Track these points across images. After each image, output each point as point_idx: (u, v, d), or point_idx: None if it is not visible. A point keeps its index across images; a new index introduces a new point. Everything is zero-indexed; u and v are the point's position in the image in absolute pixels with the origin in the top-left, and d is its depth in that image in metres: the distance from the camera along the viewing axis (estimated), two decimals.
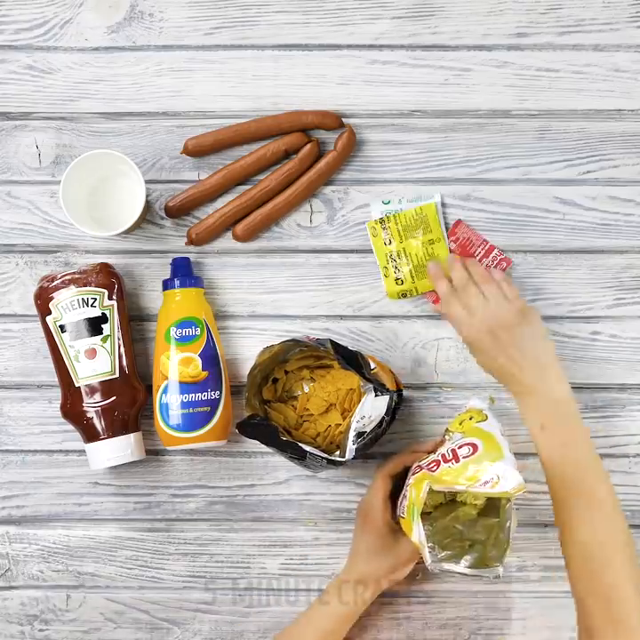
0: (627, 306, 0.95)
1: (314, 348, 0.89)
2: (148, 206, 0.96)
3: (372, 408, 0.83)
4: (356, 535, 0.89)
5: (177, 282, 0.92)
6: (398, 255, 0.93)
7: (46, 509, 0.95)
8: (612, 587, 0.76)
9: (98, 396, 0.90)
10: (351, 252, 0.96)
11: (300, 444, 0.83)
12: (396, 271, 0.93)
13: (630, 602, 0.75)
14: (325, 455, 0.83)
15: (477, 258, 0.94)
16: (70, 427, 0.92)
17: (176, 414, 0.90)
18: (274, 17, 0.96)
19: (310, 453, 0.82)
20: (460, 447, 0.79)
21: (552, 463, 0.82)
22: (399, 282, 0.93)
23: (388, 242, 0.93)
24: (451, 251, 0.94)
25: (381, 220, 0.93)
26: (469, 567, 0.79)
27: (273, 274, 0.96)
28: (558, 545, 0.94)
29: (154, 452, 0.95)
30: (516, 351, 0.85)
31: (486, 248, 0.94)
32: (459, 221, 0.94)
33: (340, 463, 0.83)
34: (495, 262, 0.94)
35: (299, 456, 0.83)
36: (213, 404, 0.90)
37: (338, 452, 0.86)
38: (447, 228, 0.95)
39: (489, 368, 0.88)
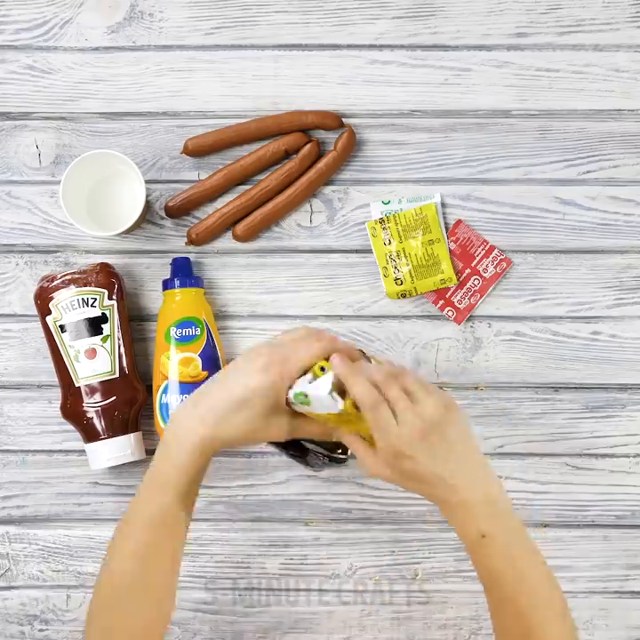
0: (627, 306, 0.95)
1: None
2: (148, 206, 0.96)
3: None
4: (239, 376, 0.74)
5: (177, 282, 0.92)
6: (398, 255, 0.93)
7: (46, 509, 0.95)
8: None
9: (98, 396, 0.90)
10: (351, 251, 0.96)
11: (301, 441, 0.83)
12: (396, 271, 0.93)
13: None
14: (327, 453, 0.83)
15: (477, 258, 0.94)
16: (70, 427, 0.92)
17: None
18: (274, 17, 0.96)
19: (312, 451, 0.82)
20: None
21: (497, 573, 0.72)
22: (399, 282, 0.93)
23: (387, 242, 0.93)
24: (451, 251, 0.94)
25: (381, 220, 0.93)
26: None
27: (273, 274, 0.96)
28: (558, 545, 0.94)
29: (154, 452, 0.95)
30: (446, 453, 0.72)
31: (486, 248, 0.94)
32: (459, 221, 0.95)
33: (342, 461, 0.84)
34: (495, 262, 0.94)
35: (300, 453, 0.83)
36: None
37: (340, 451, 0.86)
38: (447, 228, 0.95)
39: (414, 476, 0.73)
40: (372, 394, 0.72)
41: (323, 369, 0.72)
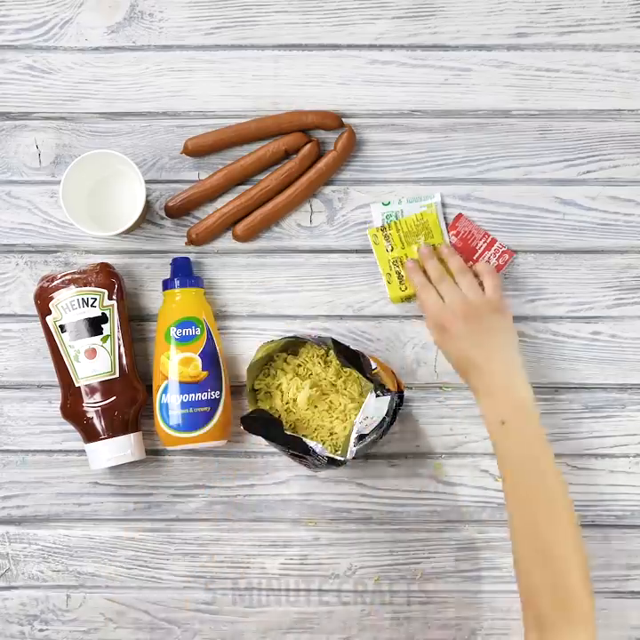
0: (627, 306, 0.95)
1: (315, 345, 0.89)
2: (148, 206, 0.96)
3: (374, 409, 0.83)
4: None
5: (177, 282, 0.92)
6: (401, 262, 0.93)
7: (46, 509, 0.95)
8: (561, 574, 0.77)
9: (98, 396, 0.90)
10: (351, 252, 0.96)
11: (304, 440, 0.83)
12: (400, 277, 0.93)
13: (577, 587, 0.76)
14: (327, 453, 0.83)
15: (480, 251, 0.94)
16: (70, 427, 0.92)
17: (176, 414, 0.90)
18: (274, 17, 0.96)
19: (313, 450, 0.82)
20: None
21: (510, 459, 0.82)
22: (403, 288, 0.94)
23: (389, 249, 0.93)
24: (452, 245, 0.94)
25: (382, 228, 0.93)
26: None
27: (273, 274, 0.96)
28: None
29: (154, 452, 0.95)
30: (486, 342, 0.85)
31: (488, 241, 0.94)
32: (460, 215, 0.95)
33: (341, 463, 0.84)
34: (497, 255, 0.94)
35: (301, 452, 0.83)
36: (213, 405, 0.90)
37: (339, 452, 0.86)
38: (447, 225, 0.95)
39: (455, 356, 0.87)
40: (418, 277, 0.90)
41: None
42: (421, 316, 0.95)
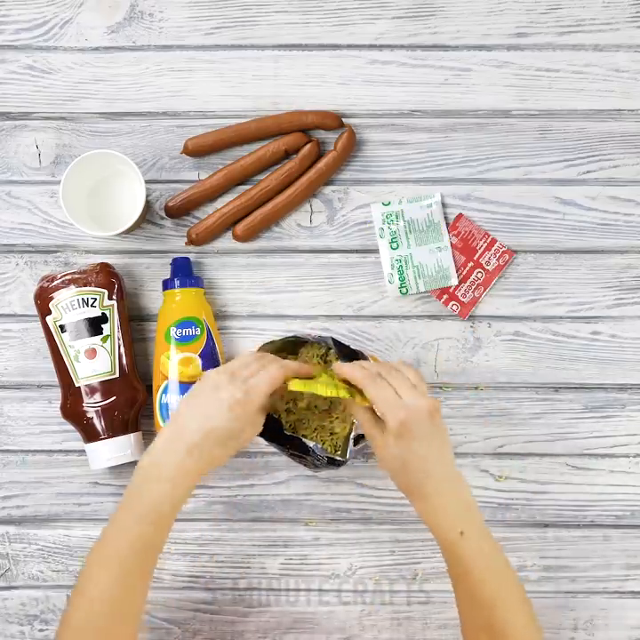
0: (627, 306, 0.95)
1: (315, 344, 0.89)
2: (148, 206, 0.96)
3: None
4: (211, 408, 0.77)
5: (177, 282, 0.92)
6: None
7: (46, 509, 0.95)
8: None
9: (98, 396, 0.90)
10: (351, 251, 0.96)
11: (303, 440, 0.83)
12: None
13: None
14: (327, 453, 0.83)
15: (480, 251, 0.94)
16: (70, 427, 0.92)
17: None
18: (274, 17, 0.96)
19: (313, 450, 0.83)
20: None
21: (468, 566, 0.75)
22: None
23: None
24: (453, 245, 0.95)
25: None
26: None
27: (273, 274, 0.96)
28: (558, 545, 0.94)
29: None
30: (440, 446, 0.76)
31: (488, 241, 0.94)
32: (460, 215, 0.95)
33: (341, 463, 0.84)
34: (498, 255, 0.94)
35: (301, 452, 0.83)
36: None
37: (339, 452, 0.86)
38: (448, 224, 0.95)
39: (404, 462, 0.75)
40: (370, 373, 0.77)
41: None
42: (421, 316, 0.95)
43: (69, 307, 0.90)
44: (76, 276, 0.90)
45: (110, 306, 0.91)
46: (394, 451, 0.75)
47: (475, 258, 0.95)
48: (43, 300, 0.90)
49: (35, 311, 0.92)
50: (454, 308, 0.95)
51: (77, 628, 0.74)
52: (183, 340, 0.91)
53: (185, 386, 0.90)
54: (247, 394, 0.76)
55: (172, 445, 0.75)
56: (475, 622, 0.77)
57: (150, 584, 0.76)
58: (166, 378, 0.90)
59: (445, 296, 0.95)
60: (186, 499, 0.76)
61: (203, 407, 0.77)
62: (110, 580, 0.73)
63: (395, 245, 0.93)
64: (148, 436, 0.94)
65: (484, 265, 0.95)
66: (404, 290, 0.94)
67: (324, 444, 0.89)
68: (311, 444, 0.83)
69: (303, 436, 0.86)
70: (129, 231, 0.94)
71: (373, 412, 0.77)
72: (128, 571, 0.74)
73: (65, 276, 0.90)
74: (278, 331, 0.95)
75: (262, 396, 0.77)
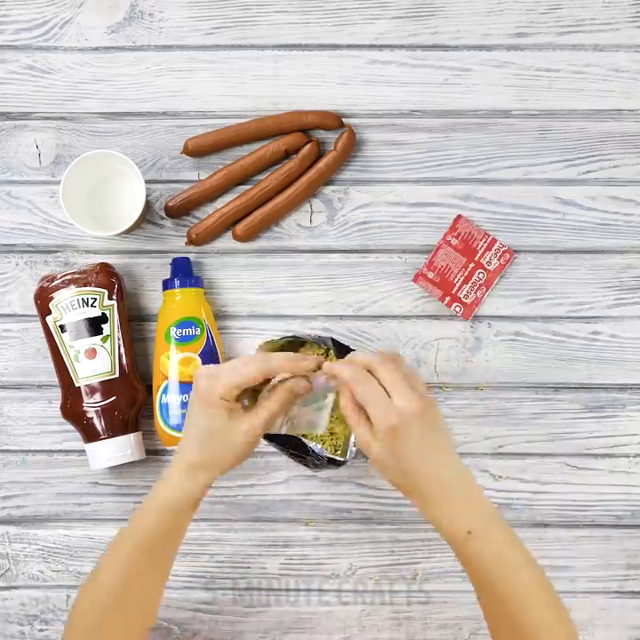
0: (627, 306, 0.95)
1: (315, 344, 0.89)
2: (148, 206, 0.96)
3: None
4: (194, 414, 0.76)
5: (177, 282, 0.92)
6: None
7: (46, 509, 0.95)
8: None
9: (98, 396, 0.90)
10: (351, 251, 0.96)
11: (303, 440, 0.83)
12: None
13: None
14: (327, 453, 0.83)
15: (480, 251, 0.94)
16: (70, 427, 0.92)
17: (176, 414, 0.90)
18: (274, 17, 0.96)
19: (313, 450, 0.83)
20: None
21: (486, 571, 0.71)
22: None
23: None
24: (453, 247, 0.94)
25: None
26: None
27: (273, 274, 0.96)
28: (558, 545, 0.94)
29: (154, 452, 0.95)
30: (437, 444, 0.71)
31: (488, 241, 0.94)
32: (459, 216, 0.95)
33: (341, 463, 0.84)
34: (498, 254, 0.94)
35: (301, 452, 0.83)
36: None
37: (339, 452, 0.86)
38: (447, 225, 0.95)
39: (397, 464, 0.71)
40: (359, 372, 0.72)
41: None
42: (421, 316, 0.95)
43: (69, 307, 0.90)
44: (76, 275, 0.90)
45: (110, 306, 0.91)
46: (386, 455, 0.70)
47: (475, 259, 0.95)
48: (43, 300, 0.90)
49: (35, 311, 0.92)
50: (457, 309, 0.95)
51: (84, 612, 0.75)
52: (183, 340, 0.91)
53: (185, 386, 0.90)
54: (212, 378, 0.74)
55: (174, 463, 0.76)
56: (497, 622, 0.72)
57: (164, 579, 0.77)
58: (166, 378, 0.90)
59: (448, 298, 0.95)
60: (192, 500, 0.76)
61: (188, 417, 0.77)
62: (118, 568, 0.75)
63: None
64: (148, 435, 0.94)
65: (485, 265, 0.95)
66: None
67: (323, 443, 0.89)
68: (311, 444, 0.83)
69: (303, 436, 0.86)
70: (129, 231, 0.94)
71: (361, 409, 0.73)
72: (137, 560, 0.75)
73: (65, 276, 0.90)
74: (278, 331, 0.95)
75: (224, 380, 0.73)
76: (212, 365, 0.76)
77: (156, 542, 0.75)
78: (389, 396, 0.70)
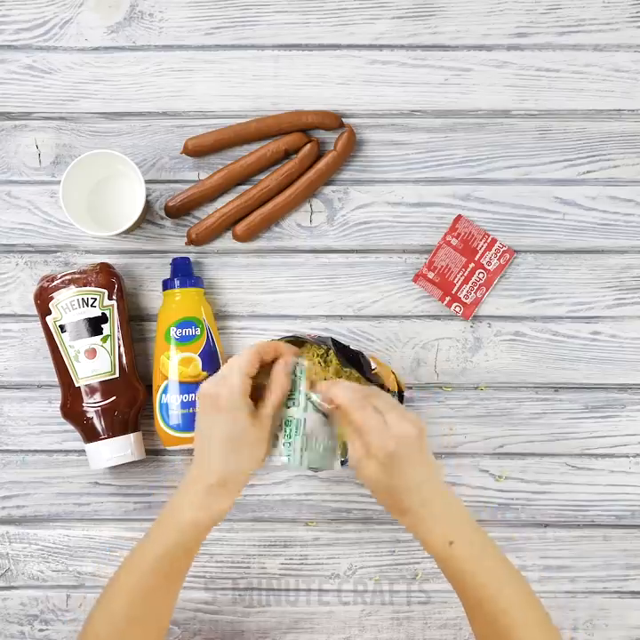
0: (627, 306, 0.95)
1: (315, 344, 0.89)
2: (148, 206, 0.96)
3: None
4: (208, 428, 0.75)
5: (177, 282, 0.92)
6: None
7: (46, 509, 0.95)
8: None
9: (98, 396, 0.90)
10: (351, 251, 0.96)
11: None
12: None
13: None
14: None
15: (480, 251, 0.94)
16: (70, 427, 0.92)
17: (176, 414, 0.90)
18: (274, 17, 0.96)
19: None
20: None
21: (468, 579, 0.73)
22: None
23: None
24: (452, 247, 0.94)
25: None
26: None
27: (273, 274, 0.96)
28: (558, 545, 0.94)
29: (154, 452, 0.95)
30: (422, 463, 0.74)
31: (488, 241, 0.94)
32: (459, 216, 0.95)
33: (341, 463, 0.83)
34: (498, 254, 0.94)
35: None
36: None
37: (339, 452, 0.86)
38: (447, 225, 0.95)
39: (387, 487, 0.73)
40: (357, 397, 0.74)
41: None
42: (421, 316, 0.95)
43: (69, 307, 0.90)
44: (76, 275, 0.90)
45: (110, 306, 0.91)
46: (380, 477, 0.72)
47: (476, 259, 0.95)
48: (43, 300, 0.90)
49: (35, 311, 0.92)
50: (457, 309, 0.95)
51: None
52: (183, 340, 0.91)
53: (185, 386, 0.90)
54: (220, 381, 0.74)
55: (191, 486, 0.75)
56: (482, 631, 0.75)
57: (176, 600, 0.77)
58: (166, 378, 0.90)
59: (448, 298, 0.95)
60: (210, 524, 0.75)
61: (199, 431, 0.76)
62: (135, 593, 0.74)
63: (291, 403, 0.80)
64: (148, 435, 0.94)
65: (485, 265, 0.95)
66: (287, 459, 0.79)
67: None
68: None
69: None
70: (129, 231, 0.94)
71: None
72: (152, 585, 0.74)
73: (65, 276, 0.90)
74: (278, 331, 0.95)
75: (239, 374, 0.73)
76: (207, 380, 0.77)
77: (174, 562, 0.75)
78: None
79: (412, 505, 0.73)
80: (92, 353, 0.90)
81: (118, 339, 0.91)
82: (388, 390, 0.84)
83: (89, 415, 0.90)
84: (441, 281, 0.95)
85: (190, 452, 0.94)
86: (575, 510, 0.94)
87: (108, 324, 0.91)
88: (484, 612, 0.73)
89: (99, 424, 0.90)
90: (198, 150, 0.94)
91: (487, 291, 0.95)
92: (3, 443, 0.95)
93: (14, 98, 0.96)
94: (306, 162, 0.94)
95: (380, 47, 0.96)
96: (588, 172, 0.95)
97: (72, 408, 0.91)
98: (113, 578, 0.77)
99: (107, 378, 0.90)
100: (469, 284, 0.95)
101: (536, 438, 0.94)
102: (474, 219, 0.95)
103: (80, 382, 0.90)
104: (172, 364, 0.90)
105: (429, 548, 0.74)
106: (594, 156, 0.95)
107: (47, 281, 0.91)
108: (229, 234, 0.96)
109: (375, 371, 0.84)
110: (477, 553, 0.74)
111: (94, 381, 0.90)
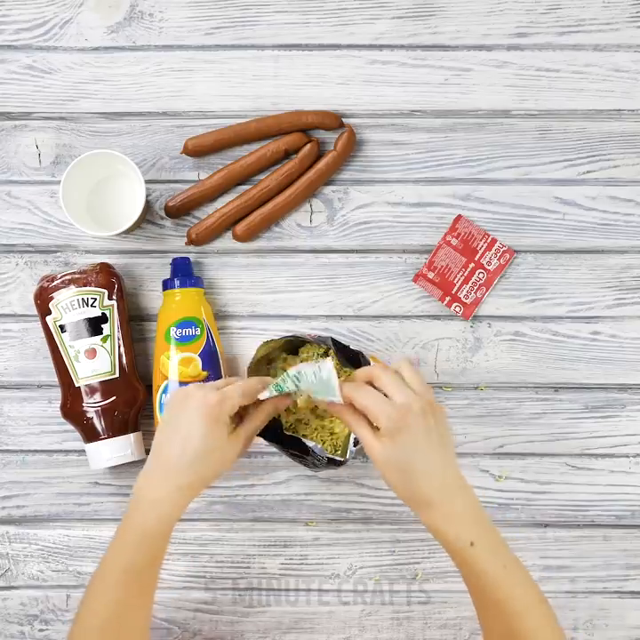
0: (627, 306, 0.95)
1: (315, 344, 0.89)
2: (148, 206, 0.96)
3: None
4: (187, 427, 0.75)
5: (177, 282, 0.92)
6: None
7: (46, 509, 0.95)
8: None
9: (98, 396, 0.90)
10: (351, 251, 0.96)
11: (303, 440, 0.83)
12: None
13: None
14: (327, 453, 0.83)
15: (480, 251, 0.94)
16: (70, 427, 0.92)
17: None
18: (274, 17, 0.96)
19: (313, 450, 0.83)
20: None
21: (485, 577, 0.73)
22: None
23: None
24: (453, 247, 0.94)
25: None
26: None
27: (273, 274, 0.96)
28: (558, 545, 0.94)
29: None
30: (440, 444, 0.73)
31: (488, 241, 0.94)
32: (459, 216, 0.95)
33: (341, 463, 0.84)
34: (498, 254, 0.94)
35: (301, 452, 0.83)
36: None
37: (339, 452, 0.86)
38: (447, 226, 0.95)
39: (403, 463, 0.72)
40: (355, 384, 0.74)
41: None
42: (421, 316, 0.95)
43: (69, 307, 0.90)
44: (76, 275, 0.90)
45: (110, 306, 0.91)
46: (390, 452, 0.71)
47: (476, 259, 0.95)
48: (43, 300, 0.90)
49: (35, 311, 0.92)
50: (457, 309, 0.95)
51: None
52: (183, 340, 0.91)
53: (185, 386, 0.90)
54: (223, 395, 0.74)
55: (159, 481, 0.75)
56: (494, 631, 0.75)
57: (152, 602, 0.76)
58: (166, 378, 0.90)
59: (448, 298, 0.95)
60: (177, 519, 0.75)
61: (177, 427, 0.75)
62: (108, 607, 0.73)
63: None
64: (148, 435, 0.94)
65: (485, 265, 0.95)
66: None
67: (324, 443, 0.89)
68: (311, 444, 0.83)
69: (303, 436, 0.86)
70: (129, 231, 0.94)
71: (362, 414, 0.74)
72: (119, 600, 0.73)
73: (65, 276, 0.90)
74: (278, 331, 0.95)
75: (235, 400, 0.74)
76: (196, 384, 0.77)
77: (145, 566, 0.74)
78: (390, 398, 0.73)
79: (433, 497, 0.71)
80: (91, 353, 0.90)
81: (118, 339, 0.91)
82: None
83: (89, 415, 0.90)
84: (441, 281, 0.95)
85: None
86: (575, 510, 0.94)
87: (108, 324, 0.91)
88: (500, 611, 0.73)
89: (99, 424, 0.90)
90: (198, 150, 0.94)
91: (487, 291, 0.95)
92: (3, 443, 0.95)
93: (14, 98, 0.96)
94: (306, 162, 0.94)
95: (380, 47, 0.96)
96: (588, 172, 0.95)
97: (72, 408, 0.91)
98: (85, 595, 0.75)
99: (107, 378, 0.90)
100: (469, 283, 0.95)
101: (536, 438, 0.94)
102: (474, 219, 0.95)
103: (80, 382, 0.90)
104: (172, 364, 0.90)
105: (450, 546, 0.73)
106: (594, 155, 0.95)
107: (47, 281, 0.91)
108: (229, 234, 0.96)
109: None
110: (496, 554, 0.73)
111: (94, 381, 0.90)
